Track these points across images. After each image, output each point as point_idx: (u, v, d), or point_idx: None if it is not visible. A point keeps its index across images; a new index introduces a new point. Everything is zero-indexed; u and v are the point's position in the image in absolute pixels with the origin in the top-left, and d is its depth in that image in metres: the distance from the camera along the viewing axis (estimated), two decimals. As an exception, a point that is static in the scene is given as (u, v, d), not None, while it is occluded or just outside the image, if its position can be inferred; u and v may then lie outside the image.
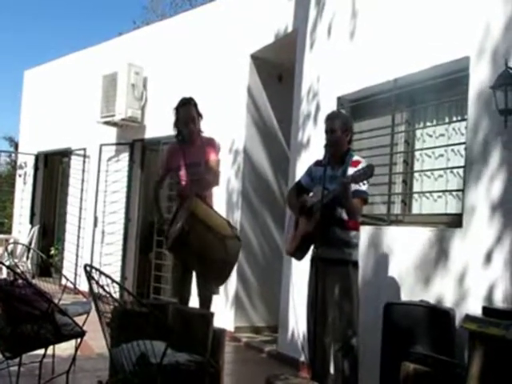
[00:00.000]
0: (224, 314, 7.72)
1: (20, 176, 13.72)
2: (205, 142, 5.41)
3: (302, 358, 6.08)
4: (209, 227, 4.86)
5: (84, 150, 11.44)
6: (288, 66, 7.59)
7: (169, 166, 5.54)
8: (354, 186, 4.45)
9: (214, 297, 5.34)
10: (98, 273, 3.60)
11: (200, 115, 5.48)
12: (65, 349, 5.30)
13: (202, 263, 5.02)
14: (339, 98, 6.27)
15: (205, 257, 4.89)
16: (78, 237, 11.26)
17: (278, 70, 8.38)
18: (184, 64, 9.27)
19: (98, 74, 10.45)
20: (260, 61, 8.23)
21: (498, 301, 4.32)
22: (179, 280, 5.36)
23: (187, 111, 5.39)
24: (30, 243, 11.84)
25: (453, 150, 5.25)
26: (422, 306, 4.76)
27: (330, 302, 4.65)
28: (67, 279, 6.34)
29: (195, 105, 5.45)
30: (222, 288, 7.65)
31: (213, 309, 5.01)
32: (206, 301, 5.24)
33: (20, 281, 4.65)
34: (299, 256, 4.91)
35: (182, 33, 9.51)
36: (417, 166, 5.64)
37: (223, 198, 8.08)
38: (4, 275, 7.54)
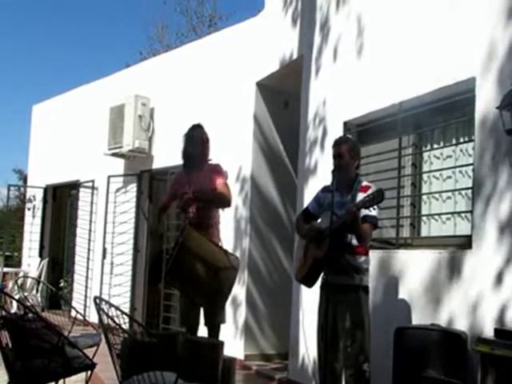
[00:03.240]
0: (234, 342, 7.68)
1: (29, 209, 13.74)
2: (211, 169, 5.41)
3: (314, 386, 6.02)
4: (201, 258, 4.85)
5: (92, 181, 11.48)
6: (294, 93, 7.61)
7: (174, 193, 5.54)
8: (363, 211, 4.43)
9: (223, 325, 5.30)
10: (107, 305, 3.59)
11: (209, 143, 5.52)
12: (75, 381, 5.25)
13: (196, 294, 5.03)
14: (346, 123, 6.28)
15: (198, 288, 4.90)
16: (87, 268, 11.25)
17: (283, 96, 8.40)
18: (190, 94, 9.32)
19: (106, 106, 10.51)
20: (266, 88, 8.27)
21: (510, 322, 4.26)
22: (186, 309, 5.34)
23: (201, 133, 5.44)
24: (40, 276, 11.83)
25: (460, 172, 5.23)
26: (434, 329, 4.71)
27: (340, 328, 4.60)
28: (77, 311, 6.32)
29: (205, 131, 5.51)
30: (231, 316, 7.65)
31: (222, 337, 4.97)
32: (212, 330, 5.20)
33: (30, 314, 4.63)
34: (310, 283, 4.86)
35: (188, 63, 9.58)
36: (425, 189, 5.61)
37: (231, 226, 8.06)
38: (14, 309, 7.50)
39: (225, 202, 5.38)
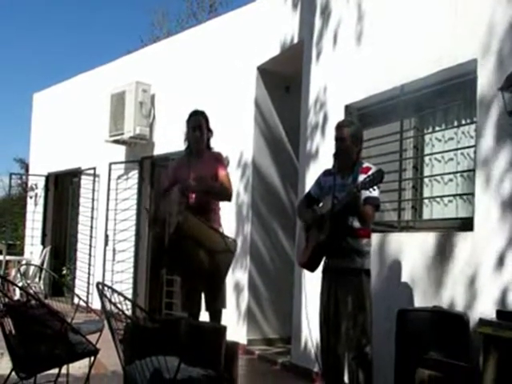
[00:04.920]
0: (236, 327, 7.71)
1: (31, 197, 13.75)
2: (212, 157, 5.40)
3: (316, 369, 6.02)
4: (198, 242, 4.85)
5: (94, 169, 11.48)
6: (295, 77, 7.58)
7: (174, 178, 5.54)
8: (364, 193, 4.41)
9: (225, 310, 5.30)
10: (110, 290, 3.59)
11: (210, 130, 5.48)
12: (78, 367, 5.28)
13: (194, 278, 5.05)
14: (347, 107, 6.25)
15: (195, 271, 4.92)
16: (90, 255, 11.28)
17: (284, 81, 8.38)
18: (191, 79, 9.30)
19: (106, 93, 10.49)
20: (267, 73, 8.24)
21: (512, 304, 4.27)
22: (187, 295, 5.34)
23: (195, 120, 5.43)
24: (42, 264, 11.85)
25: (462, 154, 5.21)
26: (435, 311, 4.71)
27: (343, 312, 4.61)
28: (80, 298, 6.32)
29: (206, 118, 5.46)
30: (233, 301, 7.66)
31: (225, 322, 4.97)
32: (214, 315, 5.21)
33: (33, 301, 4.64)
34: (312, 267, 4.84)
35: (189, 49, 9.55)
36: (426, 171, 5.60)
37: (233, 211, 8.06)
38: (17, 296, 7.52)
39: (226, 195, 5.37)
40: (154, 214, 5.75)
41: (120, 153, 10.78)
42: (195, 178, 5.29)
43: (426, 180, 5.59)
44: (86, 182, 11.76)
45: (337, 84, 6.42)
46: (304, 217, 5.03)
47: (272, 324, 8.11)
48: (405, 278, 5.25)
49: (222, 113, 8.23)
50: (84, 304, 6.67)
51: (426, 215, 5.56)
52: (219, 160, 5.42)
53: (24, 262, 12.45)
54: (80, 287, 11.08)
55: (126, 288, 9.79)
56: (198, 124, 5.41)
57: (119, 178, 10.76)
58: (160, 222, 5.69)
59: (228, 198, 5.40)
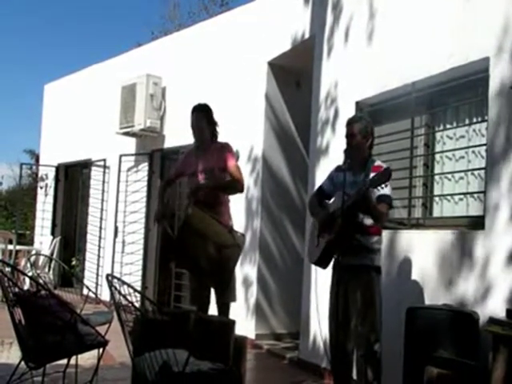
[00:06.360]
0: (245, 321, 7.71)
1: (41, 188, 13.80)
2: (219, 148, 5.40)
3: (324, 365, 6.04)
4: (204, 236, 4.86)
5: (104, 160, 11.51)
6: (306, 72, 7.57)
7: (182, 170, 5.56)
8: (377, 192, 4.40)
9: (234, 304, 5.31)
10: (119, 282, 3.61)
11: (214, 123, 5.48)
12: (87, 358, 5.30)
13: (202, 272, 5.06)
14: (358, 103, 6.24)
15: (203, 266, 4.93)
16: (99, 247, 11.32)
17: (295, 76, 8.37)
18: (202, 73, 9.30)
19: (117, 85, 10.51)
20: (277, 68, 8.23)
21: (523, 303, 4.26)
22: (196, 288, 5.36)
23: (195, 119, 5.44)
24: (52, 254, 11.91)
25: (473, 152, 5.20)
26: (445, 309, 4.70)
27: (352, 308, 4.61)
28: (89, 289, 6.34)
29: (207, 112, 5.45)
30: (242, 296, 7.67)
31: (233, 316, 4.99)
32: (222, 308, 5.22)
33: (43, 291, 4.66)
34: (324, 264, 4.84)
35: (200, 42, 9.55)
36: (437, 169, 5.59)
37: (242, 206, 8.07)
38: (27, 286, 7.55)
39: (237, 188, 5.37)
40: (162, 209, 5.63)
41: (130, 145, 10.81)
42: (203, 170, 5.31)
43: (437, 178, 5.57)
44: (96, 173, 11.80)
45: (348, 80, 6.40)
46: (315, 214, 5.02)
47: (280, 319, 8.12)
48: (414, 275, 5.25)
49: (233, 107, 8.25)
50: (93, 295, 6.70)
51: (436, 213, 5.56)
52: (227, 150, 5.39)
53: (34, 251, 12.50)
54: (89, 278, 11.14)
55: (135, 280, 9.84)
56: (198, 121, 5.41)
57: (129, 170, 10.79)
58: (168, 218, 5.68)
59: (240, 190, 5.39)
